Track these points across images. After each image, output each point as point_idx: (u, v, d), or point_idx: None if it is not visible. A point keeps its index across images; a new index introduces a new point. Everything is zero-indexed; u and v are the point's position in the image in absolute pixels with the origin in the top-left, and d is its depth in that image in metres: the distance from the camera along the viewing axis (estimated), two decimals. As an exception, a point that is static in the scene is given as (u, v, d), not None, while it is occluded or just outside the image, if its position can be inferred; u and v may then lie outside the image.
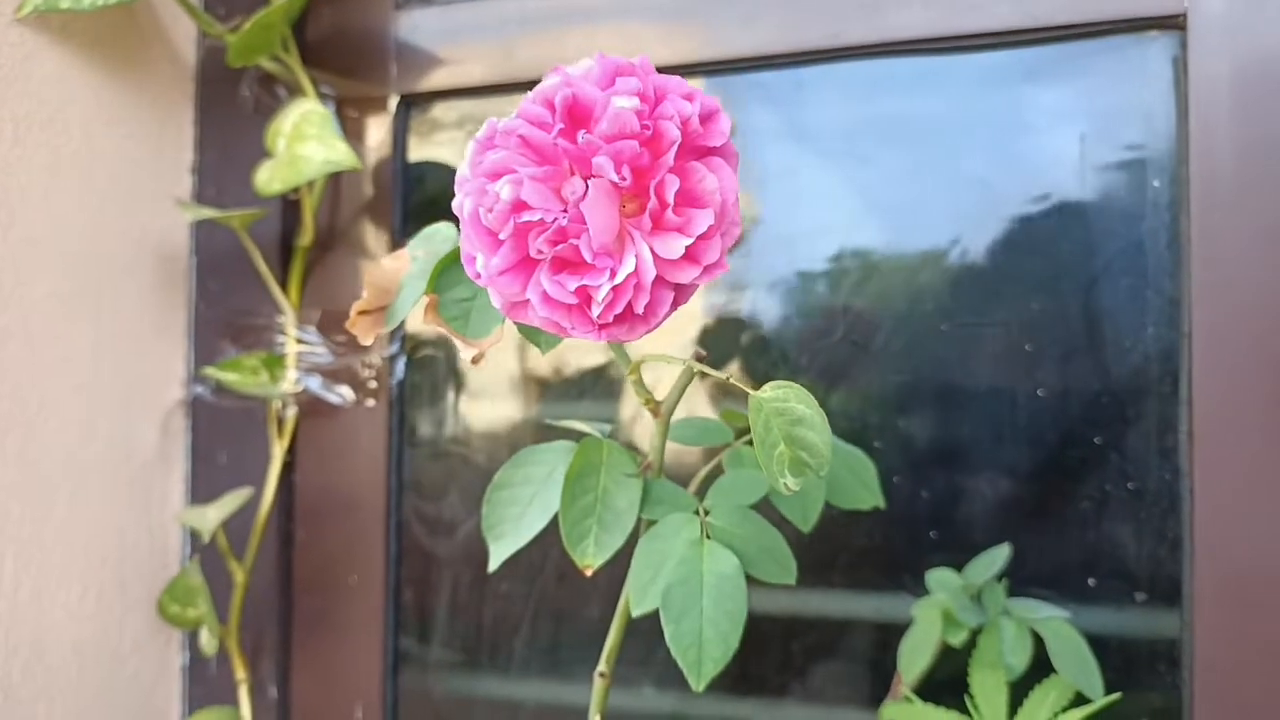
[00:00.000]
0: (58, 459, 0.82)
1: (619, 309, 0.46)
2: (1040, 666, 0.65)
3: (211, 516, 0.85)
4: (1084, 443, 0.76)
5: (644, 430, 0.75)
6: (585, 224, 0.46)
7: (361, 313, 0.60)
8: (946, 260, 0.80)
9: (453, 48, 0.90)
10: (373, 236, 0.92)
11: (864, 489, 0.66)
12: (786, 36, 0.81)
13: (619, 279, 0.46)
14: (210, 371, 0.90)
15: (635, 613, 0.56)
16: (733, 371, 0.84)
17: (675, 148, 0.46)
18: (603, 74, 0.47)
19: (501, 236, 0.47)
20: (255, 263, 0.90)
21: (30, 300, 0.80)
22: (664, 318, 0.48)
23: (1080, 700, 0.63)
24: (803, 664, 0.83)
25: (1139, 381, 0.75)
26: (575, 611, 0.88)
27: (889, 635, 0.73)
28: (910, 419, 0.81)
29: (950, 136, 0.80)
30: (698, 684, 0.54)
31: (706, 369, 0.54)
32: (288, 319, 0.91)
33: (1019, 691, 0.64)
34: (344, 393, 0.91)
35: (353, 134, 0.92)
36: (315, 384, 0.91)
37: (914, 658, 0.69)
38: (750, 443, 0.63)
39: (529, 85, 0.88)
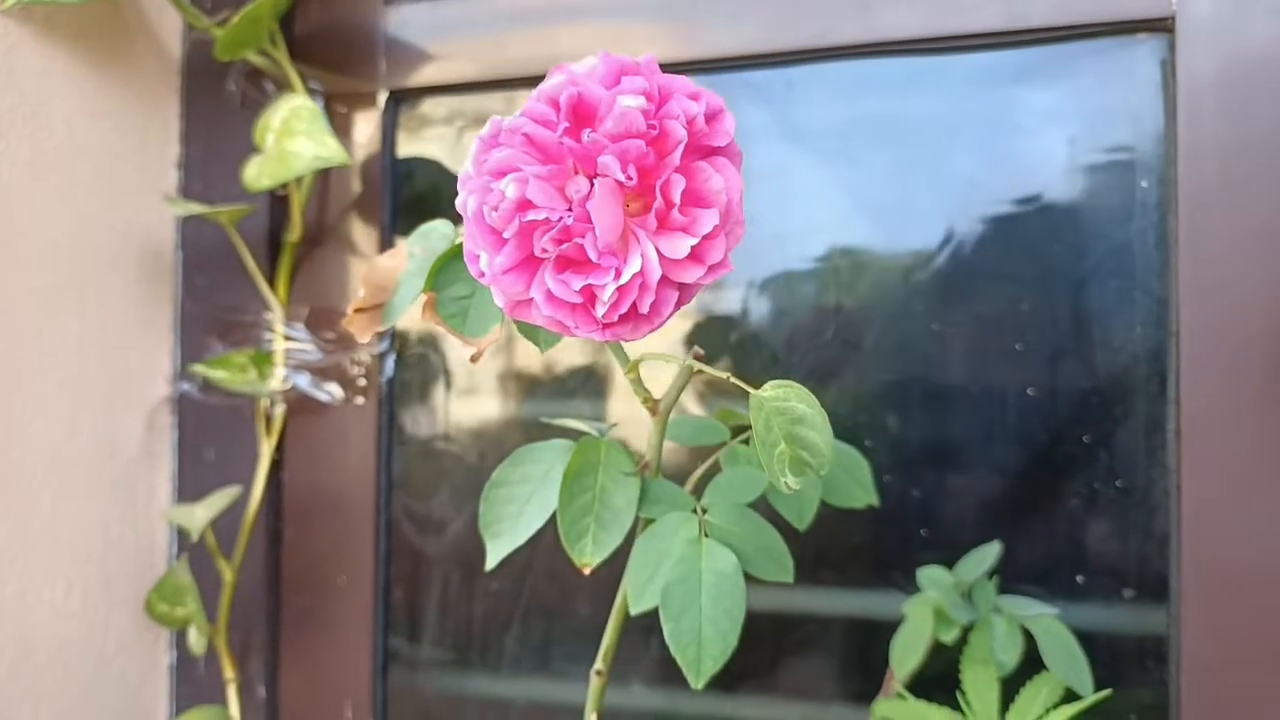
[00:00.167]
0: (42, 455, 0.81)
1: (624, 309, 0.46)
2: (1031, 663, 0.66)
3: (200, 515, 0.84)
4: (1073, 441, 0.77)
5: (634, 429, 0.75)
6: (590, 223, 0.45)
7: (358, 310, 0.60)
8: (937, 260, 0.80)
9: (442, 43, 0.90)
10: (362, 233, 0.91)
11: (859, 487, 0.67)
12: (775, 35, 0.81)
13: (624, 279, 0.46)
14: (198, 368, 0.89)
15: (634, 611, 0.56)
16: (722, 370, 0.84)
17: (681, 147, 0.46)
18: (607, 72, 0.47)
19: (506, 235, 0.47)
20: (243, 259, 0.90)
21: (13, 295, 0.79)
22: (668, 317, 0.47)
23: (1071, 696, 0.63)
24: (794, 661, 0.83)
25: (1127, 380, 0.76)
26: (565, 610, 0.88)
27: (880, 632, 0.74)
28: (900, 418, 0.81)
29: (940, 137, 0.81)
30: (697, 682, 0.54)
31: (706, 368, 0.54)
32: (276, 316, 0.91)
33: (1010, 688, 0.65)
34: (333, 390, 0.90)
35: (341, 130, 0.92)
36: (304, 381, 0.90)
37: (906, 655, 0.69)
38: (747, 441, 0.64)
39: (518, 81, 0.90)
